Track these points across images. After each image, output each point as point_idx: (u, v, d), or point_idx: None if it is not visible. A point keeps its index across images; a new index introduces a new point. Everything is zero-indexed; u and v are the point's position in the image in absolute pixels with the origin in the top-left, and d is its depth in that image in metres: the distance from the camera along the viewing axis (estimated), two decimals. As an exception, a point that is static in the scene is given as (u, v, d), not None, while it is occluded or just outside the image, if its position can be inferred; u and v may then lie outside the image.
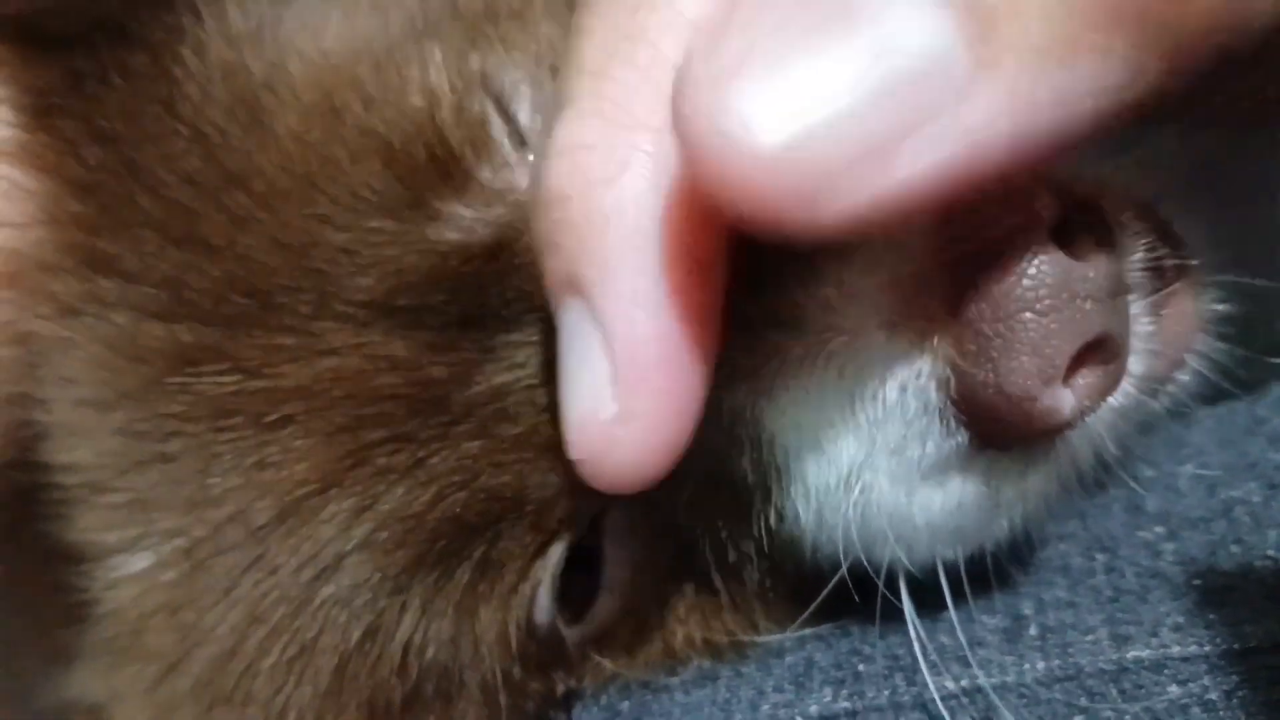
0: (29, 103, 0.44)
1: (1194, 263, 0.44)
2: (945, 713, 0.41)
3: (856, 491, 0.40)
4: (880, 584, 0.42)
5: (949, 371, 0.37)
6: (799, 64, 0.26)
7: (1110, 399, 0.40)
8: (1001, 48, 0.26)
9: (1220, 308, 0.45)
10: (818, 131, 0.26)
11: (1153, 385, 0.42)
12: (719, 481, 0.42)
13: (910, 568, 0.42)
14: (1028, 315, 0.36)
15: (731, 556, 0.44)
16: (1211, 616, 0.42)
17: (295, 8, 0.45)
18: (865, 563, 0.42)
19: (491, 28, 0.45)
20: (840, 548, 0.41)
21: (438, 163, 0.41)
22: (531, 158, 0.42)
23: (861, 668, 0.43)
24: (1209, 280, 0.44)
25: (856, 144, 0.26)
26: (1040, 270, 0.36)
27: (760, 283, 0.40)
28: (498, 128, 0.43)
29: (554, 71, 0.44)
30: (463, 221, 0.42)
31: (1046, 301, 0.36)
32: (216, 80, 0.43)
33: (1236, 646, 0.41)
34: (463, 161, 0.42)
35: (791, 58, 0.26)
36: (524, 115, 0.43)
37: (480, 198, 0.42)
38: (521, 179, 0.42)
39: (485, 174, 0.42)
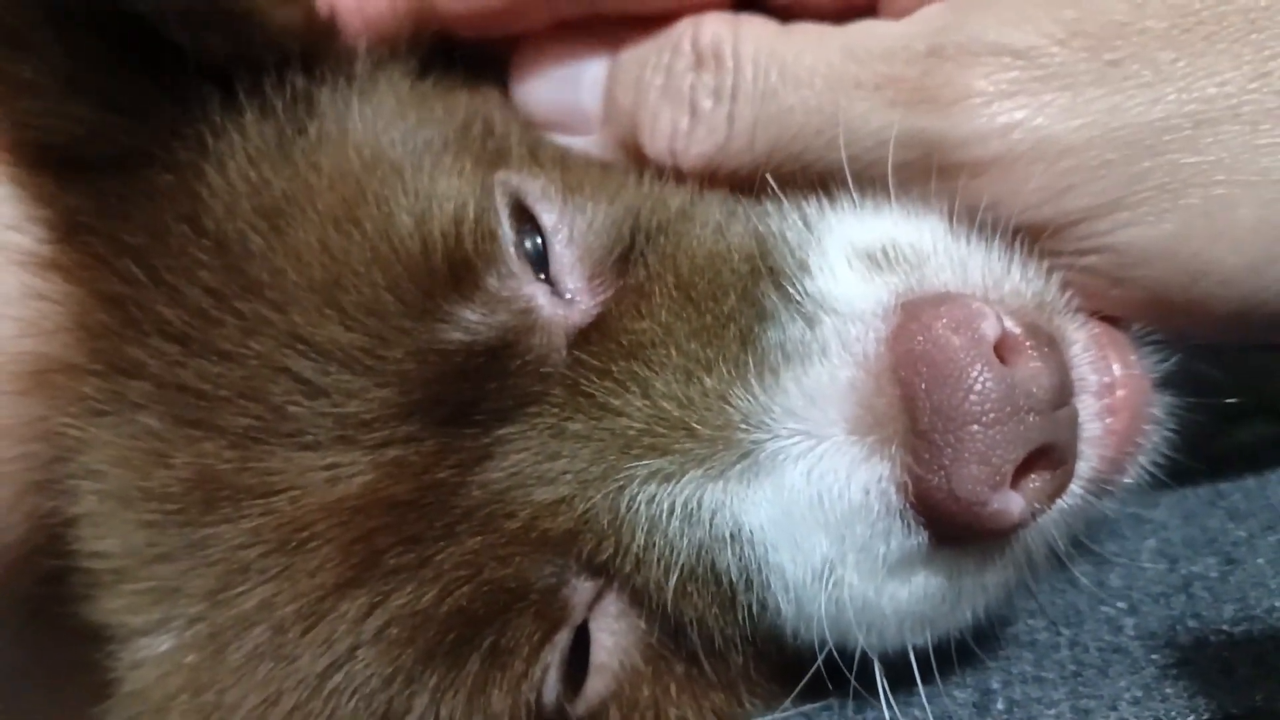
0: (61, 221, 0.48)
1: (1139, 371, 0.47)
2: (917, 784, 0.44)
3: (830, 585, 0.43)
4: (853, 672, 0.45)
5: (906, 476, 0.41)
6: None
7: (1060, 500, 0.43)
8: None
9: (1168, 402, 0.47)
10: None
11: (1102, 485, 0.45)
12: (704, 573, 0.45)
13: (881, 653, 0.45)
14: (974, 428, 0.39)
15: (718, 642, 0.46)
16: (1168, 690, 0.44)
17: (317, 121, 0.48)
18: (840, 652, 0.45)
19: (528, 155, 0.49)
20: (816, 636, 0.44)
21: (452, 269, 0.45)
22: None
23: (839, 742, 0.46)
24: (1158, 381, 0.47)
25: None
26: (985, 386, 0.40)
27: (733, 385, 0.43)
28: (507, 239, 0.46)
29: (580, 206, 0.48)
30: (469, 324, 0.45)
31: (991, 415, 0.40)
32: (239, 195, 0.46)
33: (1191, 720, 0.43)
34: (474, 270, 0.45)
35: None
36: (549, 218, 0.47)
37: (487, 304, 0.45)
38: (525, 287, 0.46)
39: (493, 282, 0.45)
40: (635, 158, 0.51)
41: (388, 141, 0.48)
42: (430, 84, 0.52)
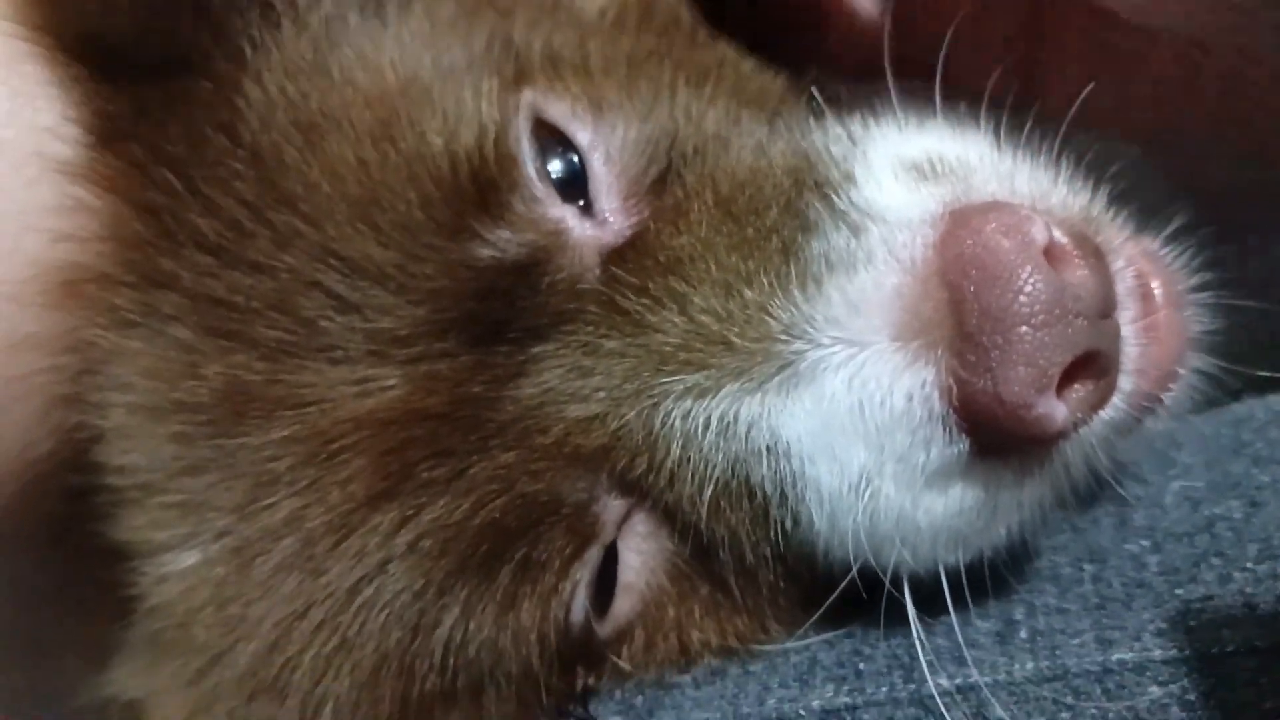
0: (98, 126, 0.47)
1: (1181, 287, 0.47)
2: (942, 708, 0.44)
3: (866, 497, 0.43)
4: (886, 583, 0.45)
5: (951, 380, 0.41)
6: None
7: (1101, 412, 0.43)
8: None
9: (1208, 325, 0.48)
10: None
11: (1142, 402, 0.45)
12: (738, 487, 0.45)
13: (915, 569, 0.45)
14: (1023, 329, 0.40)
15: (748, 559, 0.47)
16: (1192, 623, 0.45)
17: (353, 37, 0.48)
18: (873, 564, 0.45)
19: (552, 71, 0.49)
20: (850, 551, 0.44)
21: (480, 191, 0.45)
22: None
23: (862, 666, 0.46)
24: (1198, 301, 0.48)
25: None
26: (1035, 288, 0.40)
27: (774, 297, 0.43)
28: (528, 163, 0.46)
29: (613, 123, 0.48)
30: (499, 242, 0.45)
31: (1040, 317, 0.40)
32: (276, 108, 0.46)
33: (1215, 651, 0.44)
34: (499, 192, 0.45)
35: None
36: (584, 137, 0.47)
37: (514, 224, 0.45)
38: (551, 210, 0.46)
39: (519, 204, 0.45)
40: None
41: (420, 61, 0.48)
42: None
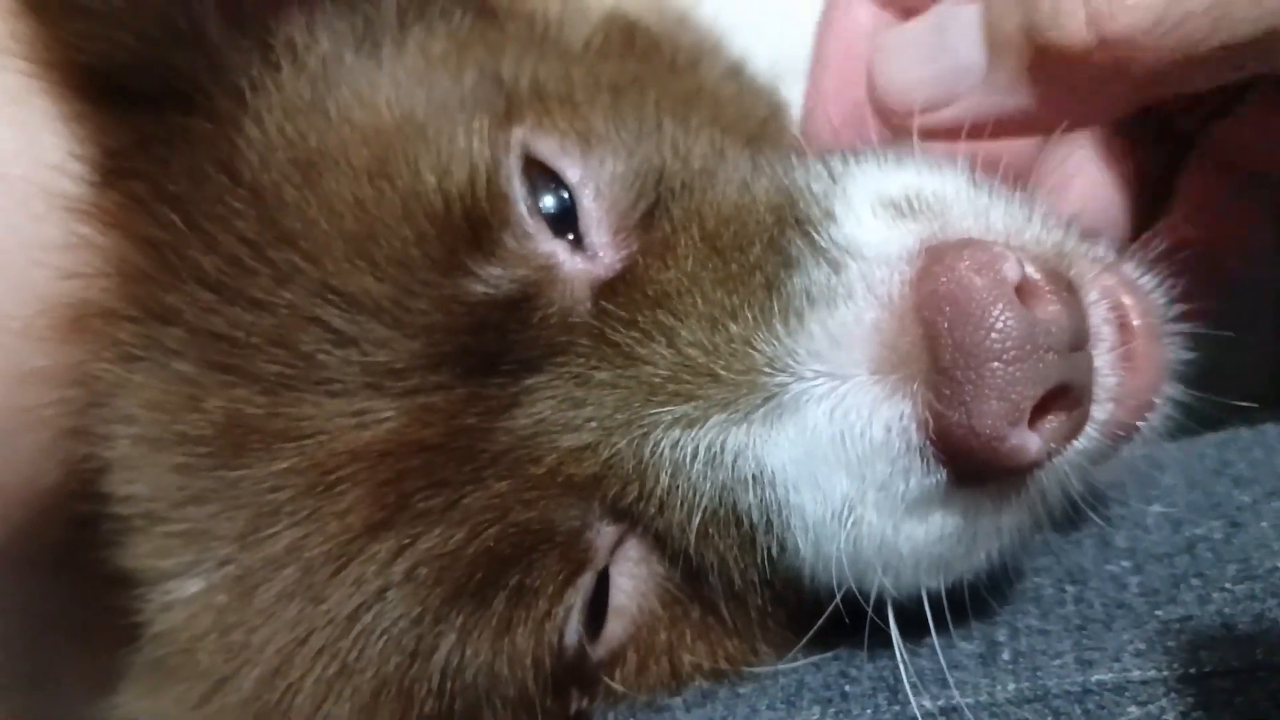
0: (103, 163, 0.49)
1: (1158, 316, 0.48)
2: (924, 729, 0.45)
3: (849, 524, 0.44)
4: (869, 610, 0.46)
5: (927, 413, 0.42)
6: None
7: (1075, 442, 0.44)
8: None
9: (1184, 355, 0.49)
10: None
11: (1117, 431, 0.46)
12: (726, 514, 0.46)
13: (896, 595, 0.46)
14: (995, 364, 0.41)
15: (737, 584, 0.48)
16: (1171, 644, 0.46)
17: (349, 76, 0.50)
18: (856, 591, 0.46)
19: (540, 106, 0.50)
20: (835, 577, 0.46)
21: (472, 228, 0.46)
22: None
23: (848, 688, 0.47)
24: (1172, 331, 0.49)
25: None
26: (1006, 325, 0.41)
27: (758, 330, 0.45)
28: (519, 201, 0.47)
29: (601, 158, 0.49)
30: (491, 278, 0.46)
31: (1011, 353, 0.41)
32: (275, 147, 0.48)
33: (1193, 671, 0.44)
34: (491, 229, 0.47)
35: None
36: (574, 174, 0.49)
37: (506, 260, 0.47)
38: (542, 245, 0.47)
39: (510, 241, 0.47)
40: (1036, 78, 0.48)
41: (415, 98, 0.49)
42: (453, 35, 0.53)
